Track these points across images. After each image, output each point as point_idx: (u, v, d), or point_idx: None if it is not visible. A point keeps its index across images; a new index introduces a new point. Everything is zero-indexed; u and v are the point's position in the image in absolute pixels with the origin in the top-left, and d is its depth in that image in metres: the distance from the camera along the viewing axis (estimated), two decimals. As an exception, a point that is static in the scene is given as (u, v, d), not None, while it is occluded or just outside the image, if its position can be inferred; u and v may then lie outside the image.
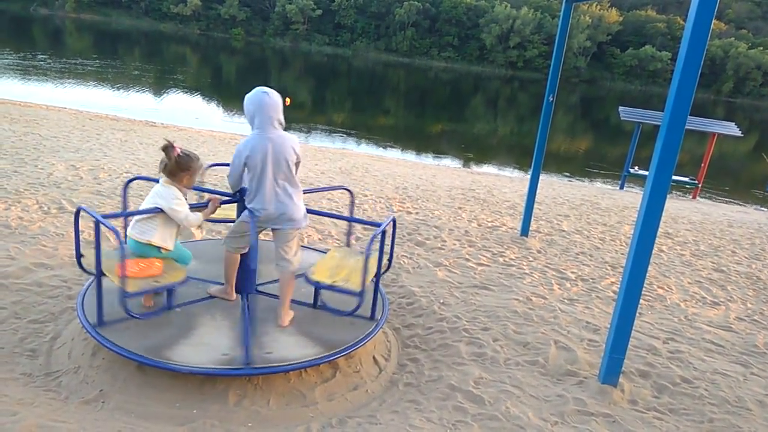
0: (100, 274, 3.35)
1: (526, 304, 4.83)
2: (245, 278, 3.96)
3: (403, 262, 5.66)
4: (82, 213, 3.41)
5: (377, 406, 3.35)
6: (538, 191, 6.93)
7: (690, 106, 3.06)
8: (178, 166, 3.54)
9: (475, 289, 5.13)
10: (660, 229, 7.98)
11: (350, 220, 4.55)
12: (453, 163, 17.83)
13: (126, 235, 3.68)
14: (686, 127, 3.10)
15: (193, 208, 3.70)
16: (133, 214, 3.62)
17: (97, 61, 32.51)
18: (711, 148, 16.22)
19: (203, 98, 25.84)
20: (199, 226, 3.77)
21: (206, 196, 3.99)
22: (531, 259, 6.24)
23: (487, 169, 17.83)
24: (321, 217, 6.72)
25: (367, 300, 3.78)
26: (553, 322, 4.49)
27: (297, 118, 23.49)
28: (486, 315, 4.54)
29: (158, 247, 3.58)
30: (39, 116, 13.03)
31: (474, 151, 21.09)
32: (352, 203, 4.70)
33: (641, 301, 4.83)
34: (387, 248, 4.23)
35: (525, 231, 7.12)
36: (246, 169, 3.53)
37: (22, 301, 3.99)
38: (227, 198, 3.87)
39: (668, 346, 4.28)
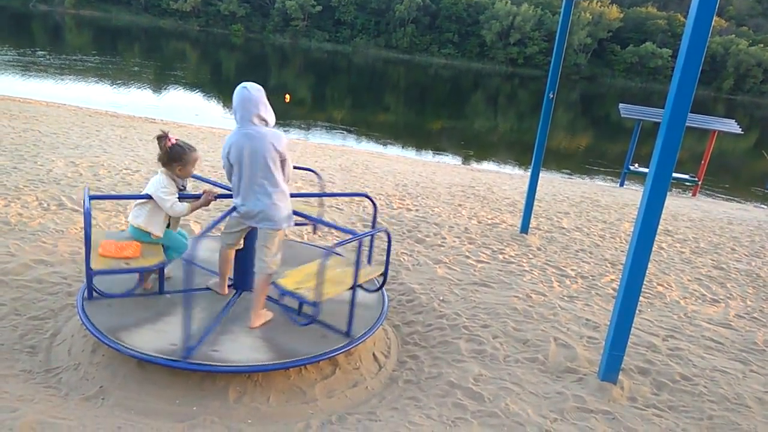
0: (89, 251, 3.44)
1: (526, 302, 4.83)
2: (242, 275, 3.96)
3: (403, 259, 5.66)
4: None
5: (377, 402, 3.36)
6: (538, 188, 6.93)
7: (690, 103, 3.06)
8: (169, 156, 3.68)
9: (474, 286, 5.13)
10: (660, 227, 7.98)
11: (333, 227, 4.32)
12: (453, 160, 17.82)
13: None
14: (686, 124, 3.10)
15: (185, 198, 3.76)
16: (121, 197, 3.72)
17: (97, 57, 32.45)
18: (711, 146, 16.20)
19: (203, 95, 25.81)
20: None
21: (202, 187, 4.02)
22: (531, 256, 6.24)
23: (487, 166, 17.82)
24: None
25: (343, 314, 3.63)
26: (553, 320, 4.49)
27: (297, 114, 23.45)
28: (486, 312, 4.54)
29: (149, 233, 3.71)
30: (38, 113, 13.01)
31: (474, 148, 21.07)
32: (375, 215, 4.42)
33: (641, 298, 4.83)
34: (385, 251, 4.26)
35: (525, 228, 7.12)
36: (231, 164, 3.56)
37: (22, 298, 3.99)
38: (223, 192, 3.90)
39: (668, 344, 4.28)
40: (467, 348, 3.95)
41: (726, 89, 69.55)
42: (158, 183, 3.69)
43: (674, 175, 12.63)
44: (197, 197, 3.84)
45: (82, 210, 5.84)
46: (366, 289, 4.11)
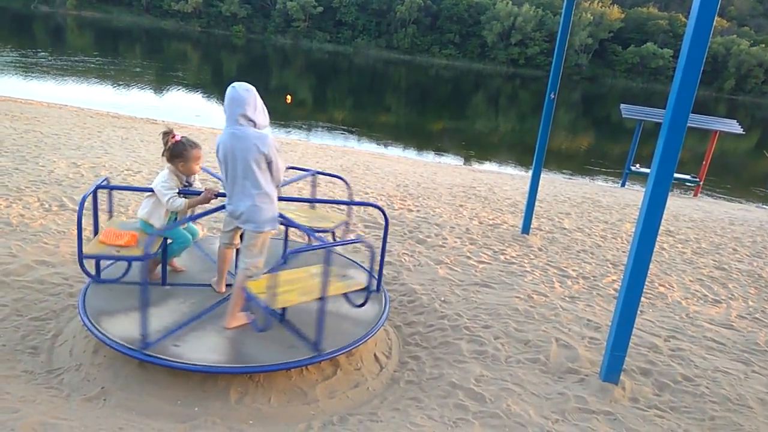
0: (80, 235, 3.63)
1: (528, 302, 4.83)
2: None
3: (404, 260, 5.66)
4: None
5: (378, 403, 3.36)
6: (539, 189, 6.92)
7: (692, 103, 3.05)
8: (172, 153, 3.81)
9: (476, 286, 5.13)
10: (661, 227, 7.97)
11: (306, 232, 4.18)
12: (454, 161, 17.81)
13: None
14: (688, 124, 3.09)
15: (187, 194, 3.84)
16: (128, 189, 4.24)
17: (98, 58, 32.50)
18: (712, 146, 16.18)
19: (204, 96, 25.83)
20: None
21: (212, 183, 4.07)
22: (532, 256, 6.24)
23: (489, 166, 17.81)
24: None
25: (311, 325, 3.55)
26: (555, 320, 4.49)
27: (298, 115, 23.47)
28: (487, 313, 4.54)
29: (152, 224, 3.86)
30: (40, 114, 13.03)
31: (475, 149, 21.06)
32: (386, 227, 4.28)
33: (642, 299, 4.82)
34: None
35: (526, 229, 7.11)
36: None
37: (24, 299, 3.99)
38: (223, 191, 3.92)
39: (669, 344, 4.28)
40: (469, 349, 3.95)
41: (727, 90, 69.48)
42: (161, 178, 3.83)
43: (676, 175, 12.62)
44: (198, 194, 3.88)
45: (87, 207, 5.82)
46: (350, 302, 3.94)
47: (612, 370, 3.55)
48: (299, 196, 7.56)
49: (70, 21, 58.79)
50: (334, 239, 5.09)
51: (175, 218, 3.94)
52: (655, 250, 3.70)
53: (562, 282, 5.53)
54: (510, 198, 9.75)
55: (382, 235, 4.49)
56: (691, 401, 3.49)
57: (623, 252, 6.90)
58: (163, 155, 3.85)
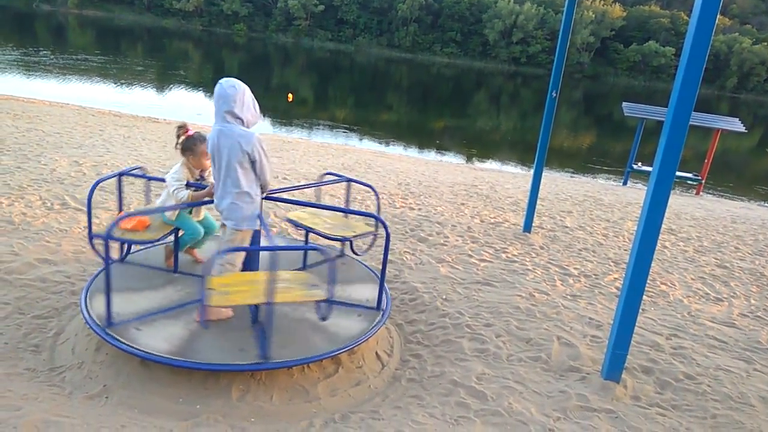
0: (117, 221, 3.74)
1: (529, 300, 4.83)
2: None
3: (406, 258, 5.66)
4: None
5: (380, 401, 3.36)
6: (540, 187, 6.92)
7: (694, 101, 3.05)
8: (183, 147, 3.97)
9: (477, 285, 5.13)
10: (663, 225, 7.96)
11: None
12: (455, 159, 17.80)
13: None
14: (690, 122, 3.09)
15: (193, 187, 3.98)
16: (150, 178, 4.35)
17: (100, 57, 32.52)
18: (715, 144, 16.15)
19: (206, 94, 25.84)
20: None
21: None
22: (534, 255, 6.24)
23: (490, 165, 17.79)
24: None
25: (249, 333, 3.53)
26: (556, 318, 4.48)
27: (299, 114, 23.47)
28: (489, 311, 4.54)
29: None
30: (42, 112, 13.04)
31: (477, 147, 21.05)
32: (387, 243, 4.20)
33: (644, 297, 4.82)
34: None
35: (528, 227, 7.11)
36: None
37: (26, 297, 4.00)
38: None
39: (671, 342, 4.27)
40: (470, 347, 3.95)
41: (729, 88, 69.35)
42: (173, 169, 4.03)
43: (678, 173, 12.61)
44: (204, 188, 3.99)
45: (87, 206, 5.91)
46: (318, 313, 3.70)
47: (614, 369, 3.55)
48: (305, 200, 7.56)
49: (71, 19, 58.82)
50: (353, 249, 4.92)
51: (189, 211, 4.14)
52: (656, 248, 3.69)
53: (564, 280, 5.53)
54: (511, 196, 9.74)
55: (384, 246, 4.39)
56: (693, 399, 3.49)
57: (625, 250, 6.90)
58: (176, 148, 3.99)
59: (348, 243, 4.67)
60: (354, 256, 4.91)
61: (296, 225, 4.43)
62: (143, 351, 3.20)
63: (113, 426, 2.77)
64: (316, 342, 3.49)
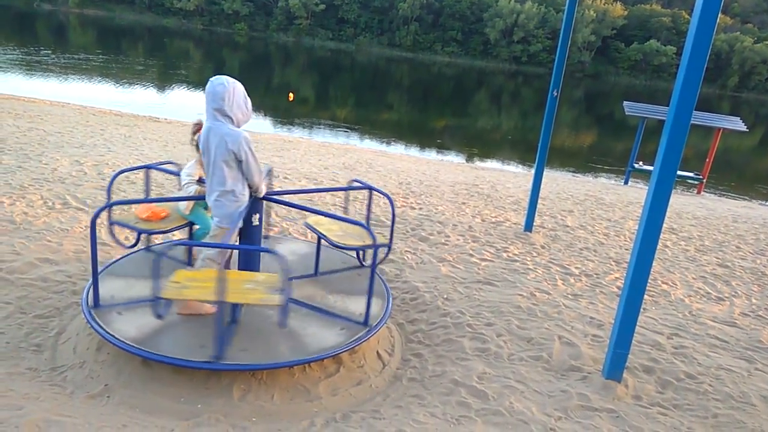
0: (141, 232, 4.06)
1: (530, 300, 4.83)
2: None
3: (407, 257, 5.66)
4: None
5: (381, 401, 3.36)
6: (542, 186, 6.91)
7: (695, 100, 3.04)
8: (196, 144, 4.02)
9: (478, 284, 5.13)
10: (664, 225, 7.95)
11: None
12: (456, 159, 17.79)
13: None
14: (691, 122, 3.08)
15: (204, 183, 4.02)
16: (171, 172, 4.41)
17: (101, 56, 32.53)
18: (716, 143, 16.13)
19: (207, 94, 25.80)
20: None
21: None
22: (535, 254, 6.23)
23: (491, 164, 17.78)
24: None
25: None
26: (557, 318, 4.48)
27: (300, 113, 23.46)
28: (490, 310, 4.54)
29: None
30: (43, 112, 13.05)
31: (478, 147, 21.04)
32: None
33: (645, 296, 4.82)
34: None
35: (529, 226, 7.10)
36: None
37: (27, 297, 4.00)
38: None
39: (672, 342, 4.27)
40: (471, 346, 3.95)
41: (731, 87, 69.27)
42: (187, 165, 4.19)
43: (679, 172, 12.59)
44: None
45: (91, 205, 5.92)
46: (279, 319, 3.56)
47: (615, 368, 3.55)
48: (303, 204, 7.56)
49: (72, 19, 58.85)
50: (360, 259, 4.81)
51: (205, 207, 4.28)
52: (658, 247, 3.69)
53: (565, 279, 5.52)
54: (513, 195, 9.74)
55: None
56: (694, 399, 3.48)
57: (626, 249, 6.89)
58: (191, 144, 4.10)
59: (362, 253, 4.68)
60: (366, 266, 4.77)
61: (311, 229, 4.44)
62: (108, 332, 3.28)
63: (115, 425, 2.77)
64: (279, 349, 3.36)
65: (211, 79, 3.49)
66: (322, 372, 3.52)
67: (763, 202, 15.63)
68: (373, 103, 30.93)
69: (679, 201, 11.93)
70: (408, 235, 6.40)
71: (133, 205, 4.39)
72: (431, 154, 18.02)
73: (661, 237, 6.63)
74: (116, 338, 3.24)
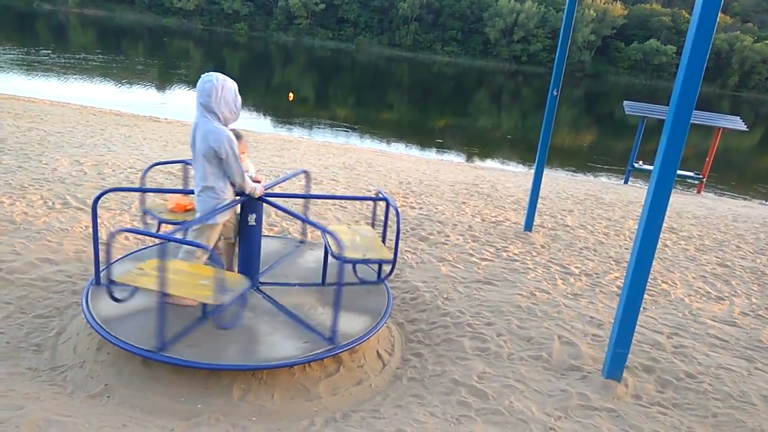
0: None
1: (530, 299, 4.83)
2: (247, 274, 3.96)
3: (407, 257, 5.66)
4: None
5: (381, 400, 3.36)
6: (541, 186, 6.91)
7: (695, 100, 3.04)
8: None
9: (478, 284, 5.13)
10: (664, 224, 7.96)
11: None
12: (456, 158, 17.79)
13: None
14: (691, 121, 3.08)
15: None
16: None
17: (101, 56, 32.53)
18: (716, 143, 16.13)
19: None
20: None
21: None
22: (535, 254, 6.24)
23: (491, 164, 17.78)
24: (324, 213, 6.72)
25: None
26: (557, 317, 4.48)
27: (300, 113, 23.46)
28: (490, 310, 4.54)
29: None
30: (43, 112, 13.05)
31: (477, 146, 21.04)
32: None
33: (645, 296, 4.82)
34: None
35: (529, 226, 7.11)
36: None
37: (28, 296, 4.00)
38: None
39: (672, 341, 4.27)
40: (471, 346, 3.95)
41: (731, 86, 69.26)
42: None
43: (679, 172, 12.59)
44: None
45: (90, 205, 5.93)
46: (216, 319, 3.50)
47: (615, 367, 3.55)
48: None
49: (72, 19, 58.85)
50: (355, 273, 4.52)
51: None
52: (658, 247, 3.69)
53: (565, 279, 5.53)
54: (512, 195, 9.74)
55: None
56: (694, 398, 3.49)
57: (626, 249, 6.89)
58: None
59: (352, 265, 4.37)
60: (364, 281, 4.45)
61: (320, 229, 4.42)
62: (108, 332, 3.28)
63: (115, 425, 2.77)
64: (226, 352, 3.27)
65: (202, 75, 3.51)
66: (322, 371, 3.52)
67: (763, 202, 15.63)
68: (373, 103, 30.93)
69: (679, 200, 11.93)
70: (408, 235, 6.40)
71: (168, 196, 4.50)
72: (431, 154, 18.02)
73: (661, 236, 6.64)
74: (116, 338, 3.24)
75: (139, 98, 20.94)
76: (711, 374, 3.79)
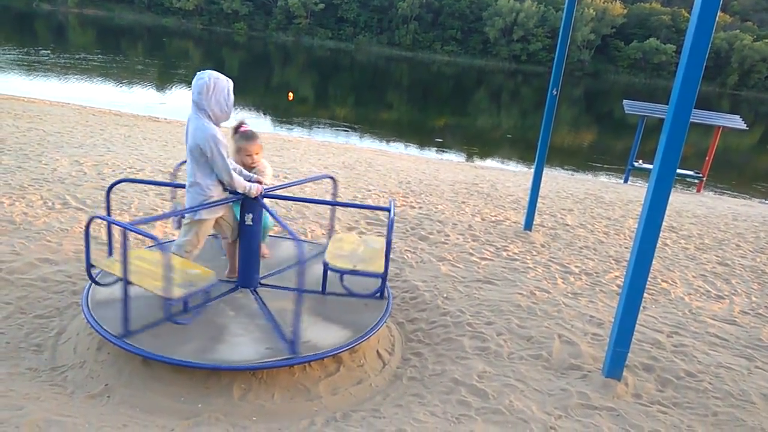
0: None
1: (530, 299, 4.83)
2: (245, 274, 3.96)
3: (407, 256, 5.66)
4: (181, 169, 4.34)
5: (381, 400, 3.36)
6: (541, 185, 6.91)
7: (695, 99, 3.04)
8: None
9: (478, 283, 5.13)
10: (664, 223, 7.96)
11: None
12: (456, 158, 17.79)
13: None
14: (691, 120, 3.08)
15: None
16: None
17: (101, 56, 32.53)
18: (716, 142, 16.14)
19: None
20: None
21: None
22: (534, 253, 6.24)
23: (491, 163, 17.79)
24: (326, 212, 6.72)
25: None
26: (557, 316, 4.48)
27: (300, 112, 23.47)
28: (490, 309, 4.54)
29: None
30: (43, 112, 13.05)
31: (477, 146, 21.06)
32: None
33: (645, 294, 4.81)
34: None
35: (528, 225, 7.11)
36: None
37: (27, 297, 4.00)
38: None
39: (672, 340, 4.27)
40: (471, 345, 3.95)
41: (730, 85, 69.31)
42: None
43: (679, 171, 12.59)
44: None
45: (90, 205, 5.92)
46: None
47: (615, 366, 3.55)
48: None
49: (71, 19, 58.85)
50: (342, 284, 4.29)
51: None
52: (657, 246, 3.68)
53: (565, 278, 5.53)
54: (512, 194, 9.74)
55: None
56: (694, 397, 3.49)
57: (626, 248, 6.89)
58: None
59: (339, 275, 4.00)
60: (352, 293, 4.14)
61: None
62: (108, 332, 3.27)
63: (115, 425, 2.78)
64: (183, 347, 3.23)
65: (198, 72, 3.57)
66: (322, 371, 3.53)
67: (763, 200, 15.64)
68: (373, 103, 30.93)
69: (679, 199, 11.93)
70: (408, 234, 6.40)
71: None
72: (431, 153, 18.03)
73: (660, 235, 6.63)
74: (117, 338, 3.24)
75: (138, 98, 20.94)
76: (711, 373, 3.80)
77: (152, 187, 7.06)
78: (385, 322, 3.83)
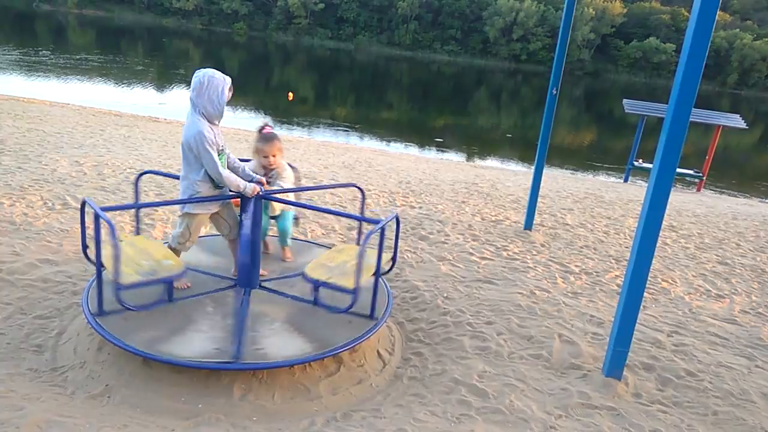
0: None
1: (530, 298, 4.83)
2: (246, 274, 3.96)
3: (407, 256, 5.66)
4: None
5: (381, 399, 3.36)
6: (541, 185, 6.91)
7: (695, 98, 3.04)
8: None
9: (478, 283, 5.13)
10: (664, 222, 7.96)
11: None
12: (456, 157, 17.80)
13: None
14: (691, 119, 3.08)
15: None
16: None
17: (100, 56, 32.53)
18: (715, 141, 16.14)
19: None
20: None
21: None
22: (535, 252, 6.24)
23: (491, 162, 17.80)
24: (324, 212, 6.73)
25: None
26: (557, 316, 4.49)
27: (300, 112, 23.47)
28: (490, 309, 4.54)
29: None
30: (43, 112, 13.06)
31: (477, 145, 21.07)
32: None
33: (645, 294, 4.81)
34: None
35: (528, 225, 7.11)
36: None
37: (28, 297, 4.01)
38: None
39: (672, 339, 4.27)
40: (471, 345, 3.95)
41: (730, 84, 69.30)
42: (250, 163, 4.25)
43: (678, 170, 12.59)
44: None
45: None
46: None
47: (615, 366, 3.55)
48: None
49: (71, 19, 58.86)
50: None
51: (265, 206, 4.30)
52: (657, 245, 3.68)
53: (565, 278, 5.53)
54: (512, 194, 9.74)
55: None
56: (694, 396, 3.49)
57: (626, 247, 6.89)
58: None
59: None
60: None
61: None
62: (108, 332, 3.28)
63: (115, 425, 2.78)
64: (139, 335, 3.25)
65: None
66: (322, 371, 3.53)
67: (763, 199, 15.64)
68: (373, 102, 30.94)
69: (678, 198, 11.94)
70: (408, 234, 6.41)
71: None
72: (431, 153, 18.04)
73: (660, 235, 6.63)
74: (117, 338, 3.24)
75: (138, 98, 20.94)
76: (711, 372, 3.80)
77: (152, 187, 7.07)
78: (385, 321, 3.81)
